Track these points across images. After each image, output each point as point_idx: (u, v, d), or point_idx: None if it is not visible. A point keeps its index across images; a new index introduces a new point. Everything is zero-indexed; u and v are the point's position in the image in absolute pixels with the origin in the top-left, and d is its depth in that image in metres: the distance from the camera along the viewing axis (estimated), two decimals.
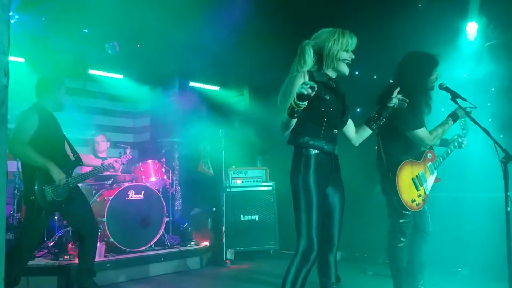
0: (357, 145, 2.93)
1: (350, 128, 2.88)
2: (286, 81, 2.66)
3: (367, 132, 2.88)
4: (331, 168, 2.70)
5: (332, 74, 2.72)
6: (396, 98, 2.81)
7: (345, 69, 2.69)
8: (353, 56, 2.69)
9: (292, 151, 2.75)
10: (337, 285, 2.77)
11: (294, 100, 2.32)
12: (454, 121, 3.39)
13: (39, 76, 4.03)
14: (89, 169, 4.52)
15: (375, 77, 5.61)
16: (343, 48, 2.64)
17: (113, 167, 4.63)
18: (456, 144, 3.56)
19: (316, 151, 2.62)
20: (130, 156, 4.95)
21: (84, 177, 4.15)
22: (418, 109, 3.30)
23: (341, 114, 2.72)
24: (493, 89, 5.03)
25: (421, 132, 3.30)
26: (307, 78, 2.58)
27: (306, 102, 2.31)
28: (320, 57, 2.67)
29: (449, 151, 3.55)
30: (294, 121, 2.49)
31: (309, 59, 2.64)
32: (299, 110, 2.36)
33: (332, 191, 2.71)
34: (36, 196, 3.65)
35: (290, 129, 2.56)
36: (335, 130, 2.70)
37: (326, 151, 2.64)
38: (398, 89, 2.80)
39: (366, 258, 5.48)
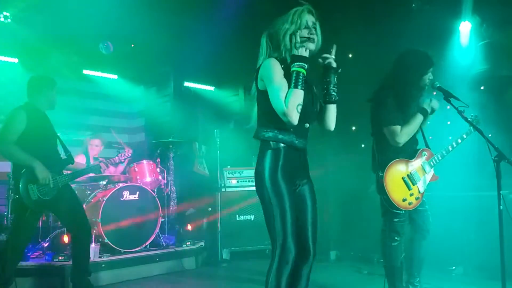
0: (332, 129, 2.62)
1: (328, 113, 2.59)
2: (261, 71, 2.45)
3: (329, 110, 2.56)
4: (300, 163, 2.50)
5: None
6: (332, 57, 2.49)
7: (308, 46, 2.44)
8: (313, 32, 2.46)
9: None
10: None
11: (296, 66, 2.30)
12: (425, 116, 3.33)
13: (31, 75, 4.01)
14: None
15: (369, 77, 5.62)
16: (297, 27, 2.45)
17: (99, 169, 4.60)
18: (459, 140, 3.54)
19: (284, 145, 2.42)
20: (130, 154, 4.90)
21: (73, 176, 4.07)
22: (403, 105, 3.31)
23: (311, 102, 2.50)
24: (482, 88, 5.06)
25: (394, 128, 3.27)
26: (278, 64, 2.41)
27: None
28: (280, 44, 2.49)
29: (450, 148, 3.53)
30: (300, 92, 2.32)
31: (266, 50, 2.52)
32: (303, 73, 2.31)
33: (301, 185, 2.52)
34: (20, 195, 3.64)
35: (299, 106, 2.32)
36: (306, 124, 2.48)
37: (296, 146, 2.45)
38: (334, 46, 2.52)
39: (361, 257, 5.49)
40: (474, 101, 3.91)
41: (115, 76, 7.11)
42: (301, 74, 2.33)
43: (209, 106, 7.57)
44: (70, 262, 4.10)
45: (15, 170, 3.74)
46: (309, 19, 2.50)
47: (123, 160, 4.81)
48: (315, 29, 2.49)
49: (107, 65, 6.83)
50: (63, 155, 4.02)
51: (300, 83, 2.32)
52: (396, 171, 3.32)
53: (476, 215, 4.41)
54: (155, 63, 6.83)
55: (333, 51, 2.50)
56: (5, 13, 5.46)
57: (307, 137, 2.52)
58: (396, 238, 3.34)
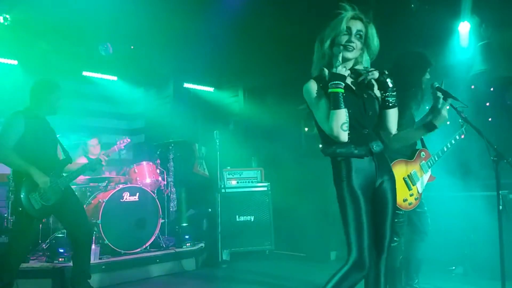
0: (393, 132, 2.53)
1: (387, 117, 2.49)
2: (304, 95, 2.47)
3: (388, 114, 2.47)
4: (372, 170, 2.42)
5: (341, 70, 2.40)
6: (370, 72, 2.42)
7: (345, 54, 2.40)
8: (352, 41, 2.40)
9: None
10: None
11: (332, 87, 2.29)
12: (430, 130, 3.13)
13: (35, 80, 3.99)
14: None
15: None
16: (336, 34, 2.42)
17: (100, 162, 4.39)
18: (453, 141, 3.55)
19: (343, 158, 2.40)
20: (129, 140, 4.86)
21: (73, 175, 4.03)
22: (401, 107, 3.30)
23: (364, 111, 2.42)
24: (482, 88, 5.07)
25: None
26: (315, 85, 2.41)
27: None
28: (323, 49, 2.47)
29: (445, 149, 3.54)
30: (342, 112, 2.30)
31: (316, 57, 2.50)
32: (342, 92, 2.29)
33: (377, 191, 2.46)
34: (23, 207, 3.62)
35: (344, 124, 2.31)
36: (365, 130, 2.42)
37: (357, 155, 2.39)
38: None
39: None
40: (473, 101, 3.93)
41: (114, 78, 7.11)
42: (338, 94, 2.30)
43: (208, 107, 7.58)
44: (71, 264, 4.10)
45: (15, 179, 3.74)
46: (353, 25, 2.43)
47: (122, 147, 4.76)
48: (361, 36, 2.43)
49: (107, 66, 6.83)
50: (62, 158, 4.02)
51: (338, 104, 2.30)
52: (397, 171, 3.33)
53: (477, 215, 4.41)
54: (154, 64, 6.84)
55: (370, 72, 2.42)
56: (5, 15, 5.46)
57: (372, 140, 2.44)
58: (395, 238, 3.34)
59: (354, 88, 2.46)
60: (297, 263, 5.56)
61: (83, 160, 5.52)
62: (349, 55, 2.41)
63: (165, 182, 5.99)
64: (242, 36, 5.92)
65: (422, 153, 3.47)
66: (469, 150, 4.19)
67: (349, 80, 2.47)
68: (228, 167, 6.17)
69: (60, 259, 4.49)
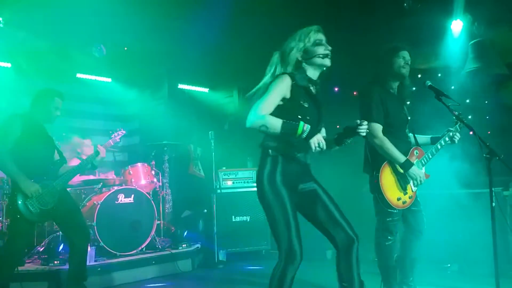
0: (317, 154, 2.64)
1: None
2: (270, 87, 2.53)
3: (334, 147, 2.66)
4: (301, 170, 2.59)
5: (313, 74, 2.63)
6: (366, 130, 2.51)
7: (324, 62, 2.60)
8: (330, 48, 2.60)
9: None
10: None
11: (303, 130, 2.36)
12: (405, 170, 3.28)
13: (33, 83, 4.00)
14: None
15: (361, 77, 5.64)
16: (311, 44, 2.59)
17: (97, 155, 4.18)
18: (447, 139, 3.55)
19: (283, 155, 2.51)
20: (124, 132, 4.83)
21: (70, 175, 4.00)
22: (385, 98, 3.34)
23: (317, 122, 2.60)
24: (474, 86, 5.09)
25: (374, 125, 3.28)
26: (289, 81, 2.51)
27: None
28: (297, 60, 2.61)
29: (439, 147, 3.53)
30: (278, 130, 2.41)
31: (275, 67, 2.64)
32: (299, 133, 2.37)
33: (305, 184, 2.60)
34: (21, 214, 3.61)
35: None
36: None
37: (296, 159, 2.54)
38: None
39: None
40: (466, 100, 3.96)
41: (108, 79, 7.09)
42: (295, 132, 2.38)
43: (203, 108, 7.57)
44: (66, 267, 4.09)
45: (12, 184, 3.71)
46: (320, 37, 2.62)
47: (118, 140, 4.72)
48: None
49: (101, 68, 6.82)
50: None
51: (283, 132, 2.39)
52: (391, 170, 3.34)
53: (471, 213, 4.43)
54: (148, 65, 6.82)
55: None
56: None
57: (308, 152, 2.57)
58: (389, 237, 3.35)
59: (317, 99, 2.61)
60: None
61: (75, 162, 5.51)
62: (328, 62, 2.59)
63: (160, 184, 5.98)
64: (236, 36, 5.92)
65: (416, 151, 3.48)
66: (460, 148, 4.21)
67: (314, 89, 2.63)
68: (224, 168, 6.17)
69: (56, 262, 4.48)
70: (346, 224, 2.59)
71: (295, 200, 2.50)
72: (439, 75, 5.15)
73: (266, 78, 2.63)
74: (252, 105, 2.47)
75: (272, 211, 2.47)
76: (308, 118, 2.49)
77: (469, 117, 3.57)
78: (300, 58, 2.59)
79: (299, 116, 2.47)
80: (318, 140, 2.37)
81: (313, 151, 2.39)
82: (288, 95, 2.52)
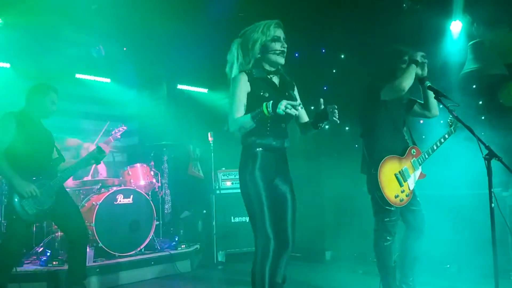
0: (301, 134, 2.94)
1: (302, 114, 2.89)
2: (231, 92, 2.70)
3: (313, 130, 2.82)
4: (277, 164, 2.73)
5: (270, 67, 2.74)
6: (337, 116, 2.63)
7: (278, 60, 2.70)
8: (286, 46, 2.69)
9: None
10: (281, 285, 2.78)
11: (267, 107, 2.44)
12: (417, 65, 3.28)
13: (32, 83, 3.97)
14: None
15: (360, 76, 5.64)
16: (270, 39, 2.67)
17: (100, 151, 4.04)
18: (442, 140, 3.59)
19: (261, 148, 2.66)
20: (125, 128, 4.78)
21: (67, 174, 3.98)
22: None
23: None
24: (474, 86, 5.09)
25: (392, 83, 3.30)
26: (245, 77, 2.64)
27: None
28: (252, 51, 2.70)
29: (435, 147, 3.57)
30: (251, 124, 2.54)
31: (236, 57, 2.75)
32: (268, 118, 2.48)
33: (281, 182, 2.76)
34: (17, 215, 3.60)
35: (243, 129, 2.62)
36: (282, 124, 2.72)
37: (274, 147, 2.68)
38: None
39: (355, 257, 5.50)
40: (465, 100, 3.96)
41: (107, 80, 7.08)
42: (263, 114, 2.48)
43: (202, 109, 7.55)
44: (65, 267, 4.09)
45: (8, 184, 3.71)
46: (280, 33, 2.72)
47: (118, 136, 4.67)
48: (285, 42, 2.72)
49: (100, 68, 6.81)
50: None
51: (256, 120, 2.53)
52: (389, 168, 3.35)
53: (470, 214, 4.43)
54: (147, 66, 6.82)
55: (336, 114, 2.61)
56: None
57: (286, 136, 2.75)
58: (388, 238, 3.35)
59: (278, 86, 2.74)
60: (292, 263, 5.51)
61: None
62: (282, 60, 2.71)
63: (159, 184, 5.97)
64: (235, 36, 5.91)
65: (413, 150, 3.50)
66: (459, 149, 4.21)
67: (276, 80, 2.74)
68: (223, 168, 6.16)
69: (54, 263, 4.47)
70: (291, 233, 2.76)
71: (270, 192, 2.68)
72: (438, 75, 5.14)
73: (229, 69, 2.78)
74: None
75: (251, 204, 2.66)
76: None
77: (482, 117, 3.59)
78: (258, 51, 2.70)
79: None
80: (285, 104, 2.42)
81: (291, 114, 2.43)
82: (249, 89, 2.66)
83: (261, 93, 2.64)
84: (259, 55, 2.71)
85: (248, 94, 2.66)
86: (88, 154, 4.06)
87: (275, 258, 2.68)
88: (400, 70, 3.34)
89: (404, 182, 3.37)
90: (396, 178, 3.34)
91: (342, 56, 5.94)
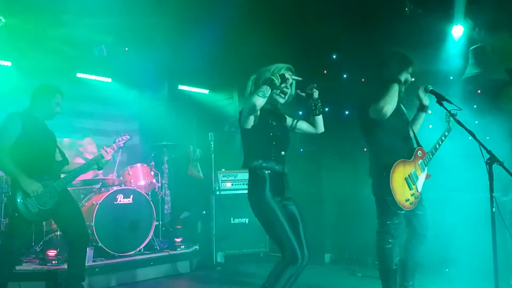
0: (319, 132, 3.27)
1: (304, 126, 3.24)
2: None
3: (318, 119, 3.21)
4: (283, 186, 3.00)
5: (270, 105, 3.05)
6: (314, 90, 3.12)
7: (277, 99, 3.03)
8: (288, 88, 3.01)
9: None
10: None
11: (276, 78, 2.84)
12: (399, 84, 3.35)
13: (38, 83, 3.97)
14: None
15: (362, 80, 5.65)
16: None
17: (102, 157, 4.14)
18: (443, 138, 3.61)
19: (269, 171, 2.92)
20: (128, 137, 4.79)
21: (71, 177, 3.99)
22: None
23: (286, 137, 3.09)
24: (479, 91, 5.10)
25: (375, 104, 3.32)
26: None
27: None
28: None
29: (437, 146, 3.59)
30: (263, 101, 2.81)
31: (250, 90, 3.05)
32: (276, 82, 2.85)
33: (287, 202, 3.00)
34: (19, 212, 3.59)
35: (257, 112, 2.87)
36: (282, 152, 3.02)
37: (277, 171, 2.96)
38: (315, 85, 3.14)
39: (355, 260, 5.51)
40: (466, 104, 3.96)
41: (109, 79, 7.09)
42: (272, 80, 2.86)
43: (203, 109, 7.56)
44: (64, 267, 4.08)
45: (12, 182, 3.70)
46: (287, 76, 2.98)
47: (122, 145, 4.68)
48: (291, 85, 3.04)
49: (101, 68, 6.81)
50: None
51: (272, 87, 2.86)
52: (400, 172, 3.34)
53: (471, 217, 4.43)
54: (149, 66, 6.82)
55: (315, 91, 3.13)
56: None
57: (284, 163, 3.04)
58: (390, 240, 3.35)
59: (280, 115, 3.12)
60: None
61: (78, 161, 5.50)
62: (281, 100, 3.05)
63: (160, 184, 5.98)
64: (237, 38, 5.92)
65: (419, 151, 3.50)
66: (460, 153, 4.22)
67: (276, 110, 3.10)
68: (223, 169, 6.16)
69: (54, 262, 4.47)
70: (307, 249, 2.94)
71: (281, 211, 2.90)
72: (439, 79, 5.15)
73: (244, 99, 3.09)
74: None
75: (271, 223, 2.88)
76: (278, 134, 2.99)
77: (476, 122, 3.60)
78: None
79: (271, 134, 2.96)
80: (287, 74, 2.92)
81: (291, 80, 2.94)
82: (258, 115, 2.94)
83: (270, 121, 2.99)
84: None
85: (260, 121, 2.95)
86: (91, 160, 4.13)
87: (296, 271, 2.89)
88: (401, 74, 3.36)
89: (414, 185, 3.37)
90: (406, 183, 3.34)
91: (343, 60, 5.95)
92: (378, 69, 3.53)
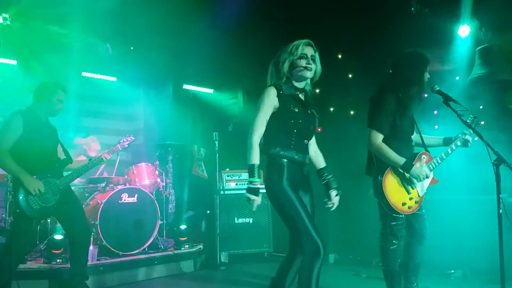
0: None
1: (311, 145, 3.05)
2: (258, 104, 2.84)
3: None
4: (302, 176, 2.88)
5: (299, 84, 2.89)
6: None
7: (303, 74, 2.84)
8: (310, 63, 2.83)
9: None
10: None
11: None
12: (406, 171, 3.30)
13: (41, 81, 3.98)
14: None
15: (369, 80, 5.63)
16: (297, 57, 2.83)
17: (102, 161, 4.23)
18: (459, 143, 3.51)
19: (286, 160, 2.80)
20: (133, 138, 4.79)
21: (73, 176, 3.98)
22: (404, 107, 3.34)
23: (310, 125, 2.91)
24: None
25: (375, 133, 3.31)
26: (274, 92, 2.80)
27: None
28: (282, 70, 2.87)
29: (450, 151, 3.49)
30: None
31: (271, 76, 2.92)
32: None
33: (303, 194, 2.87)
34: (21, 208, 3.60)
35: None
36: (305, 140, 2.89)
37: (296, 161, 2.82)
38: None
39: (359, 261, 5.49)
40: (473, 105, 3.93)
41: (114, 79, 7.10)
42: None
43: (208, 109, 7.56)
44: (68, 265, 4.08)
45: (14, 179, 3.70)
46: (308, 51, 2.86)
47: (126, 146, 4.66)
48: (314, 60, 2.86)
49: (106, 67, 6.82)
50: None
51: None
52: (395, 175, 3.33)
53: (476, 219, 4.40)
54: (154, 65, 6.82)
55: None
56: (4, 15, 5.45)
57: (307, 151, 2.92)
58: (394, 241, 3.34)
59: (304, 102, 2.89)
60: None
61: (82, 158, 5.50)
62: (308, 74, 2.85)
63: (164, 184, 5.97)
64: (242, 37, 5.92)
65: (423, 156, 3.45)
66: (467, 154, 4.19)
67: (302, 97, 2.92)
68: (227, 169, 6.16)
69: (58, 260, 4.47)
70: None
71: (299, 200, 2.78)
72: (446, 79, 5.12)
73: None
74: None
75: (288, 212, 2.74)
76: (300, 121, 2.82)
77: (482, 122, 3.56)
78: (287, 69, 2.86)
79: (292, 121, 2.79)
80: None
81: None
82: (277, 104, 2.81)
83: (291, 107, 2.81)
84: (288, 73, 2.87)
85: (278, 107, 2.81)
86: (91, 162, 4.14)
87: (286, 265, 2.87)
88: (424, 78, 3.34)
89: (412, 189, 3.34)
90: (403, 186, 3.32)
91: (349, 60, 5.93)
92: (397, 73, 3.44)
